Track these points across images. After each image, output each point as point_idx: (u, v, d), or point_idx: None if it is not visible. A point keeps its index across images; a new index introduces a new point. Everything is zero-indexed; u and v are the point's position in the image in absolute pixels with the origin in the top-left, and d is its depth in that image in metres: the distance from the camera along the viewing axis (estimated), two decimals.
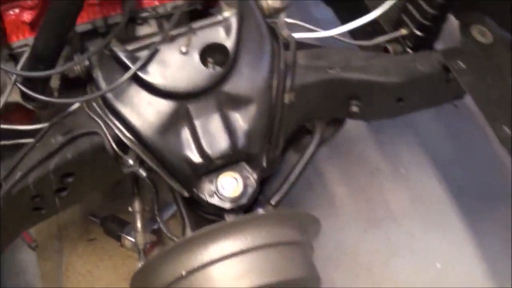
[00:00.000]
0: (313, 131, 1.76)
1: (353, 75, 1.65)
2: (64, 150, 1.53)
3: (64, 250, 2.22)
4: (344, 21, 1.85)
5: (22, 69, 1.51)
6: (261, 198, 1.62)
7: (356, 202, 2.24)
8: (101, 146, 1.53)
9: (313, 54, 1.68)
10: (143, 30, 1.65)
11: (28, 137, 1.58)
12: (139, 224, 1.77)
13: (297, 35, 1.70)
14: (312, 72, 1.63)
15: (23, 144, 1.55)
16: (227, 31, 1.55)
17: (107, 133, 1.51)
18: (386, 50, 1.84)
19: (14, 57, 1.59)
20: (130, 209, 1.78)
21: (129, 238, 2.17)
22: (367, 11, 1.83)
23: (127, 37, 1.60)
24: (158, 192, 1.63)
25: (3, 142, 1.61)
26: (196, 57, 1.52)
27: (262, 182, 1.60)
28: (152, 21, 1.64)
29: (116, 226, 2.23)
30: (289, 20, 1.71)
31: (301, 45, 1.70)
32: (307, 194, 2.18)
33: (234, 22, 1.56)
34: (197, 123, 1.52)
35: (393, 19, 1.83)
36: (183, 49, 1.51)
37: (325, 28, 1.75)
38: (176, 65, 1.51)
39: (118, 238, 2.21)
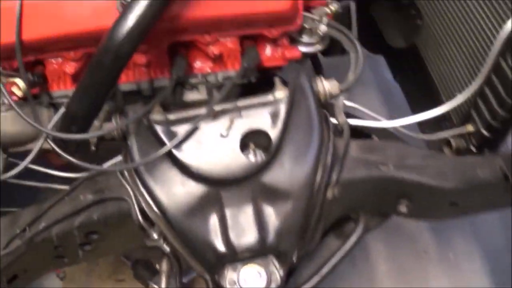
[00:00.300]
0: (357, 221, 1.64)
1: (406, 174, 1.52)
2: (91, 210, 1.48)
3: (91, 285, 2.20)
4: (411, 99, 1.73)
5: (55, 126, 1.46)
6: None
7: (396, 282, 2.11)
8: (128, 214, 1.47)
9: (367, 145, 1.56)
10: (191, 95, 1.57)
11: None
12: (163, 285, 1.72)
13: (354, 122, 1.56)
14: (363, 166, 1.51)
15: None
16: (274, 117, 1.44)
17: (135, 203, 1.45)
18: (448, 144, 1.68)
19: (54, 106, 1.54)
20: (157, 266, 1.73)
21: None
22: (437, 96, 1.67)
23: (173, 100, 1.53)
24: (182, 267, 1.57)
25: (36, 184, 1.59)
26: (236, 142, 1.43)
27: None
28: (202, 87, 1.54)
29: (146, 272, 2.18)
30: (348, 103, 1.58)
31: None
32: (347, 265, 2.07)
33: (283, 109, 1.45)
34: (228, 211, 1.44)
35: (462, 112, 1.68)
36: (224, 133, 1.41)
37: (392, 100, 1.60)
38: (214, 148, 1.43)
39: (147, 285, 2.18)
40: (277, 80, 1.52)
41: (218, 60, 1.51)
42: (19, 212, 1.54)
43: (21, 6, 1.38)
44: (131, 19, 1.27)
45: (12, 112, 1.49)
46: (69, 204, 1.50)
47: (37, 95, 1.51)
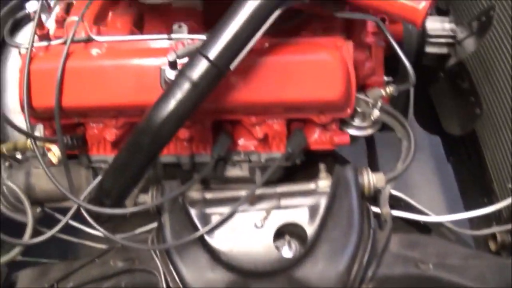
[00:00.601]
0: None
1: (445, 275, 1.46)
2: (120, 277, 1.46)
3: None
4: (462, 183, 1.66)
5: (88, 197, 1.44)
6: None
7: None
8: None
9: (408, 240, 1.48)
10: (232, 171, 1.53)
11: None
12: None
13: (399, 214, 1.49)
14: (401, 263, 1.45)
15: None
16: (313, 212, 1.39)
17: (163, 279, 1.42)
18: (494, 237, 1.60)
19: (93, 169, 1.53)
20: None
21: None
22: (489, 184, 1.64)
23: (213, 174, 1.48)
24: None
25: (68, 238, 1.57)
26: (270, 235, 1.38)
27: None
28: (245, 164, 1.50)
29: None
30: (395, 193, 1.50)
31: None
32: None
33: (323, 204, 1.40)
34: None
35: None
36: (259, 224, 1.37)
37: None
38: (247, 237, 1.38)
39: None
40: (321, 167, 1.45)
41: (263, 140, 1.46)
42: (49, 266, 1.53)
43: (63, 70, 1.35)
44: (172, 103, 1.24)
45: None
46: (99, 267, 1.48)
47: (77, 155, 1.49)
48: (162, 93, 1.25)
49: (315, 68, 1.36)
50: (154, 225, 1.51)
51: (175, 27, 1.42)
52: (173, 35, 1.41)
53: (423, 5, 1.27)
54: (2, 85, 1.61)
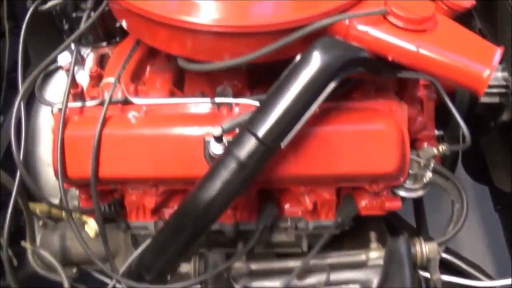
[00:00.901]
0: None
1: None
2: None
3: None
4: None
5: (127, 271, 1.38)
6: None
7: None
8: None
9: None
10: (279, 236, 1.47)
11: None
12: None
13: (450, 279, 1.43)
14: None
15: None
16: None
17: None
18: None
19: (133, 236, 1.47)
20: None
21: None
22: None
23: (259, 240, 1.39)
24: None
25: None
26: None
27: None
28: (291, 230, 1.43)
29: None
30: (446, 256, 1.45)
31: None
32: None
33: (375, 282, 1.33)
34: None
35: None
36: None
37: None
38: None
39: None
40: (372, 237, 1.38)
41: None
42: None
43: (99, 140, 1.28)
44: (218, 184, 1.16)
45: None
46: None
47: (116, 219, 1.42)
48: (208, 173, 1.17)
49: (369, 139, 1.28)
50: None
51: (219, 90, 1.33)
52: (217, 99, 1.32)
53: (487, 73, 1.18)
54: (36, 136, 1.54)
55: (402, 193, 1.43)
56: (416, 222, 1.73)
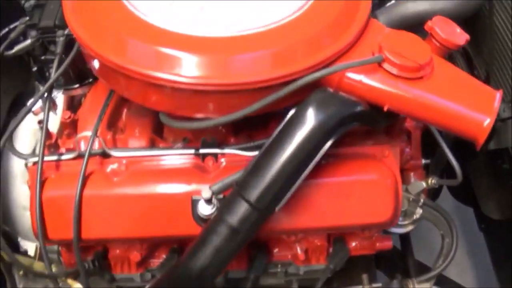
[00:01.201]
0: None
1: None
2: None
3: None
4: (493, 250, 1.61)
5: None
6: None
7: None
8: None
9: None
10: (267, 279, 1.42)
11: None
12: None
13: None
14: None
15: None
16: None
17: None
18: None
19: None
20: None
21: None
22: None
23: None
24: None
25: None
26: None
27: None
28: (281, 273, 1.40)
29: None
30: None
31: None
32: None
33: None
34: None
35: None
36: None
37: None
38: None
39: None
40: (364, 279, 1.35)
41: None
42: None
43: (80, 201, 1.21)
44: (210, 250, 1.12)
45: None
46: None
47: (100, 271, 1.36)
48: (198, 239, 1.13)
49: (363, 190, 1.24)
50: None
51: (203, 139, 1.27)
52: (201, 150, 1.25)
53: (488, 122, 1.13)
54: (10, 180, 1.45)
55: (392, 229, 1.40)
56: (402, 243, 1.70)
